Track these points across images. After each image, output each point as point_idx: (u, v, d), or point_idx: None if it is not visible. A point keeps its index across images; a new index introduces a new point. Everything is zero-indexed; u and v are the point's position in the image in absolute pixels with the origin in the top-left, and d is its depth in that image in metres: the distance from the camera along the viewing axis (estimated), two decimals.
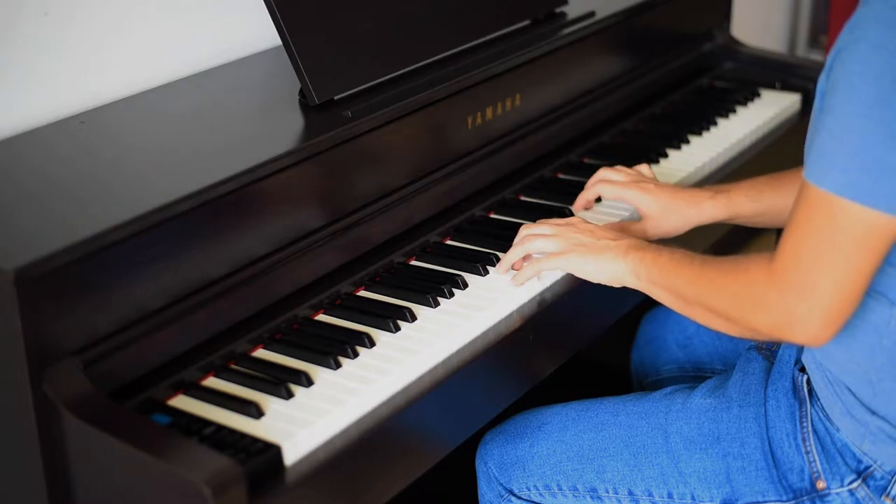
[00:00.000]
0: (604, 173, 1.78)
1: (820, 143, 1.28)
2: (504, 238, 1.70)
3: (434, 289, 1.57)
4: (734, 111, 2.25)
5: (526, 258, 1.62)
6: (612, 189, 1.75)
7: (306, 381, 1.39)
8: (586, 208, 1.81)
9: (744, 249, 3.13)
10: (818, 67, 2.32)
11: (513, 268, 1.62)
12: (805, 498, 1.47)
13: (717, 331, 1.45)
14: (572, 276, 1.64)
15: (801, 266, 1.29)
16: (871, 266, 1.28)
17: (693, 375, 1.89)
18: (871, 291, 1.37)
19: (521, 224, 1.77)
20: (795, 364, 1.53)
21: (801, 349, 1.53)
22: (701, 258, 1.46)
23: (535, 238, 1.60)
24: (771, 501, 1.49)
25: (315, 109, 1.65)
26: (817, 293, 1.28)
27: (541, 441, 1.64)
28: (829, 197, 1.26)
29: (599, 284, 1.58)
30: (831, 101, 1.27)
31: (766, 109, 2.27)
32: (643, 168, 1.80)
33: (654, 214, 1.72)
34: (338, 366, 1.42)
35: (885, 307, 1.37)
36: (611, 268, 1.54)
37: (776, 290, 1.31)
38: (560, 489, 1.62)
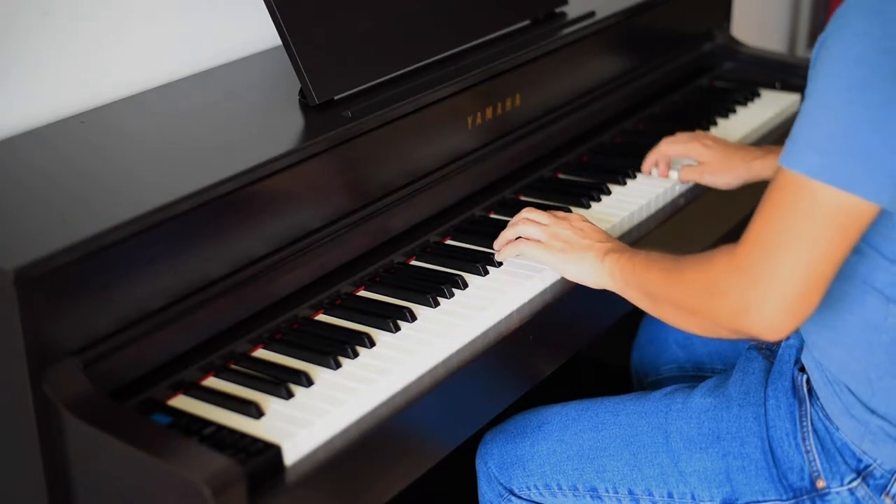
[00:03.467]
0: (670, 138, 1.93)
1: (798, 127, 1.28)
2: None
3: (434, 289, 1.57)
4: (734, 111, 2.25)
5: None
6: (678, 147, 1.91)
7: (306, 381, 1.39)
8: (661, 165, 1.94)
9: None
10: None
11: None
12: (805, 497, 1.47)
13: (684, 330, 1.44)
14: None
15: (763, 249, 1.27)
16: (840, 253, 1.26)
17: (693, 375, 1.89)
18: (867, 287, 1.37)
19: None
20: (795, 364, 1.53)
21: (800, 349, 1.53)
22: (675, 257, 1.45)
23: (528, 223, 1.62)
24: (771, 501, 1.50)
25: (315, 109, 1.65)
26: (778, 277, 1.26)
27: (541, 441, 1.64)
28: (803, 179, 1.25)
29: None
30: (812, 86, 1.27)
31: (766, 109, 2.27)
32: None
33: (711, 163, 1.87)
34: (338, 366, 1.42)
35: (881, 303, 1.37)
36: (589, 269, 1.55)
37: (735, 275, 1.30)
38: (560, 489, 1.62)
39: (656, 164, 1.94)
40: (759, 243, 1.28)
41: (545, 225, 1.61)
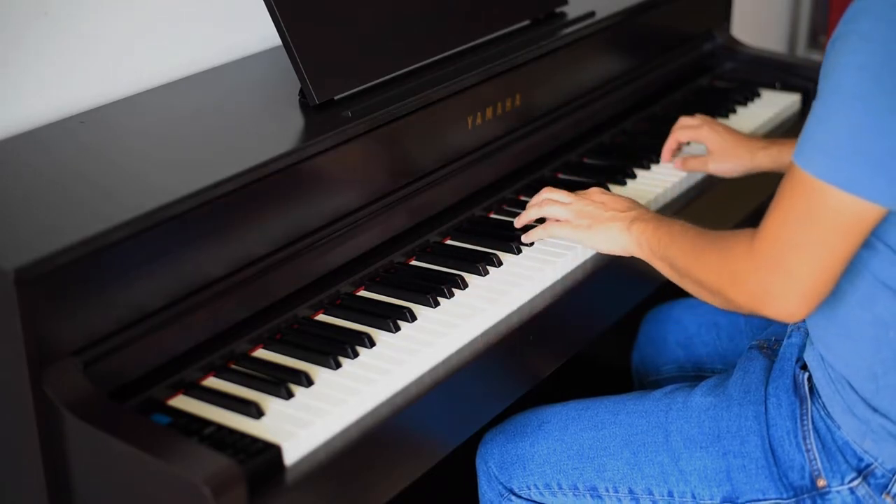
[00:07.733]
0: (683, 121, 1.97)
1: (809, 127, 1.31)
2: (504, 238, 1.71)
3: (434, 289, 1.57)
4: (734, 111, 2.25)
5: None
6: (688, 132, 1.95)
7: (306, 381, 1.39)
8: (673, 155, 1.99)
9: None
10: (818, 67, 2.33)
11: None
12: (806, 496, 1.47)
13: (706, 302, 1.49)
14: (572, 275, 1.64)
15: (780, 245, 1.33)
16: (849, 250, 1.31)
17: (693, 375, 1.89)
18: (879, 284, 1.38)
19: None
20: (797, 362, 1.53)
21: (802, 347, 1.53)
22: (696, 230, 1.50)
23: (551, 203, 1.68)
24: (771, 499, 1.50)
25: (315, 109, 1.65)
26: (794, 273, 1.32)
27: (541, 440, 1.64)
28: (813, 181, 1.29)
29: (599, 282, 1.58)
30: (821, 88, 1.30)
31: (766, 109, 2.27)
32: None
33: (719, 151, 1.91)
34: (338, 366, 1.42)
35: (891, 300, 1.38)
36: (617, 238, 1.61)
37: (754, 266, 1.35)
38: (560, 488, 1.62)
39: (673, 153, 1.99)
40: (776, 239, 1.33)
41: (568, 203, 1.66)
